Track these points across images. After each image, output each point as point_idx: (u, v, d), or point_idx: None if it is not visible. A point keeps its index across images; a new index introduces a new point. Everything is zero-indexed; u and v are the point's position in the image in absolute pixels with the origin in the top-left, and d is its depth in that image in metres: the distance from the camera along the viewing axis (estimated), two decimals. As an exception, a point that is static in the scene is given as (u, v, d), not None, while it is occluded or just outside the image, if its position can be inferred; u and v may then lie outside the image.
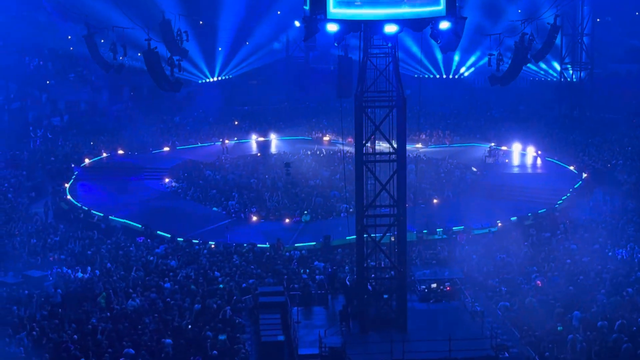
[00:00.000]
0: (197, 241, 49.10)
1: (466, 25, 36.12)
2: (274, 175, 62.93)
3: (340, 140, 71.45)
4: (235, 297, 39.01)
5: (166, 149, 74.61)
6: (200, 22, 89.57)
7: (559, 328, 35.05)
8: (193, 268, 43.22)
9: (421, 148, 73.66)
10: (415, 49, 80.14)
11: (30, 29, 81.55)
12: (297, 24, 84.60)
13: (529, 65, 57.64)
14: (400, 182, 35.01)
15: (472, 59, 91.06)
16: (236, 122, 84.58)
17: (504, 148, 72.51)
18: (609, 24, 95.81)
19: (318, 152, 71.61)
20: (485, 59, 45.85)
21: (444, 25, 33.37)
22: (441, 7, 32.98)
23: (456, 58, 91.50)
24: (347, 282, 39.63)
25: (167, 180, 63.80)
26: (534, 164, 69.56)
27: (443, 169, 65.63)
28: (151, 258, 45.17)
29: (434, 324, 36.74)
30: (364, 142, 35.00)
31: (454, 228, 50.86)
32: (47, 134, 76.13)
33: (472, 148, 74.27)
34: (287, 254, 47.13)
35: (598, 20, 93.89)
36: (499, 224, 51.64)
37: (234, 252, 46.86)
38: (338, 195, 57.48)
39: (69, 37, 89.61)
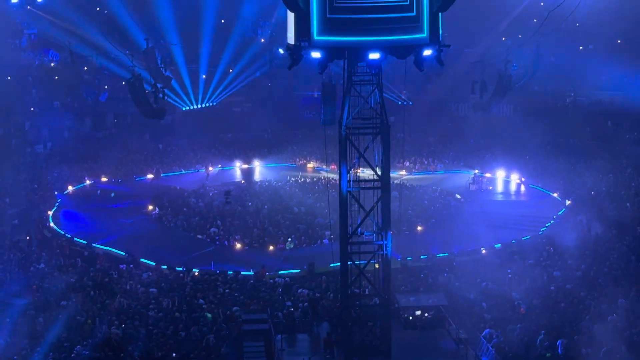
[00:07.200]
0: (180, 269, 48.88)
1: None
2: (257, 203, 62.82)
3: (325, 167, 71.46)
4: (217, 326, 38.84)
5: (150, 176, 74.43)
6: (184, 50, 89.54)
7: (547, 355, 35.06)
8: (177, 295, 43.02)
9: (405, 175, 73.71)
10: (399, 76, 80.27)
11: (14, 55, 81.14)
12: (281, 51, 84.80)
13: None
14: (384, 209, 34.99)
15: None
16: None
17: (487, 175, 72.62)
18: (591, 52, 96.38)
19: (302, 179, 71.51)
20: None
21: (428, 52, 33.45)
22: (425, 34, 33.04)
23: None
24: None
25: (150, 207, 63.55)
26: (518, 191, 69.66)
27: (427, 196, 65.59)
28: (137, 286, 44.95)
29: (418, 352, 36.69)
30: (348, 169, 35.00)
31: (438, 255, 50.83)
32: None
33: (456, 175, 74.33)
34: (271, 281, 46.97)
35: (581, 48, 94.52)
36: (483, 251, 51.62)
37: (217, 280, 46.68)
38: (322, 222, 57.36)
39: (52, 64, 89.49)
